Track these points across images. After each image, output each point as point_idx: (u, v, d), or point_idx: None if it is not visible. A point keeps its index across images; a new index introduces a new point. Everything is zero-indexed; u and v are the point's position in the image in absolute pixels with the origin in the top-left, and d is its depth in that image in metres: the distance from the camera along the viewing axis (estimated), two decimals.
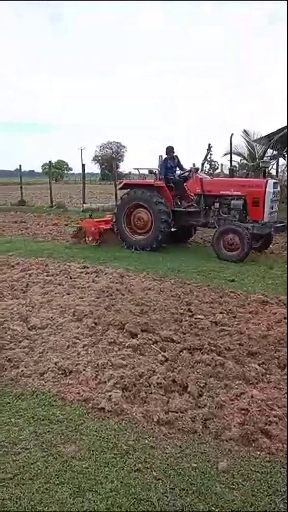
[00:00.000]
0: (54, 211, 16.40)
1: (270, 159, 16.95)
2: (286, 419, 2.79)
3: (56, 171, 56.80)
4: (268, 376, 3.39)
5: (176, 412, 2.89)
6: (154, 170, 9.40)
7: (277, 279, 6.56)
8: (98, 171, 67.96)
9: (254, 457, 2.51)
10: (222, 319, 4.59)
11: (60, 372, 3.43)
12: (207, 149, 33.11)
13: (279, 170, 20.32)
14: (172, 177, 9.31)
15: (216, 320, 4.54)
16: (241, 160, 19.82)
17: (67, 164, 72.20)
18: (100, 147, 68.87)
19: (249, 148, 18.98)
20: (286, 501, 2.17)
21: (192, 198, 9.03)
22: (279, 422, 2.75)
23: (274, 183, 8.38)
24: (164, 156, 9.53)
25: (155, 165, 10.08)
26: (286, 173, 19.27)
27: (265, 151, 17.75)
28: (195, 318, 4.58)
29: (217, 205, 8.57)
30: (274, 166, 19.49)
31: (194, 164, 9.76)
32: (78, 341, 3.99)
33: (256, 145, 18.36)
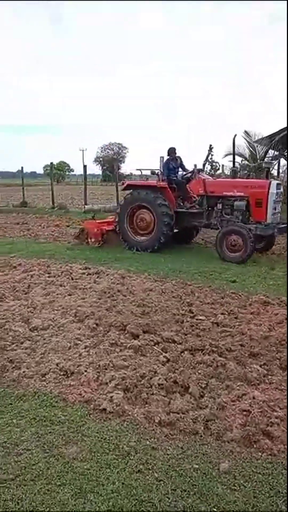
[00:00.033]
0: (56, 212, 16.45)
1: (272, 160, 16.92)
2: (287, 421, 2.78)
3: (57, 172, 56.91)
4: (269, 377, 3.39)
5: (178, 413, 2.89)
6: (156, 171, 9.39)
7: (279, 280, 6.55)
8: (100, 172, 68.26)
9: (256, 458, 2.50)
10: (223, 320, 4.58)
11: (61, 373, 3.43)
12: (208, 150, 33.00)
13: (280, 170, 20.35)
14: (175, 178, 9.29)
15: (218, 321, 4.54)
16: (242, 160, 19.82)
17: (68, 166, 72.47)
18: (102, 148, 69.30)
19: (250, 149, 18.98)
20: (287, 502, 2.16)
21: (195, 199, 9.00)
22: (280, 424, 2.75)
23: (277, 184, 8.36)
24: (166, 157, 9.51)
25: (155, 165, 10.08)
26: (287, 174, 19.26)
27: (266, 152, 17.74)
28: (197, 319, 4.58)
29: (220, 206, 8.56)
30: (275, 167, 19.53)
31: (195, 165, 9.70)
32: (79, 342, 4.00)
33: (257, 146, 18.37)
